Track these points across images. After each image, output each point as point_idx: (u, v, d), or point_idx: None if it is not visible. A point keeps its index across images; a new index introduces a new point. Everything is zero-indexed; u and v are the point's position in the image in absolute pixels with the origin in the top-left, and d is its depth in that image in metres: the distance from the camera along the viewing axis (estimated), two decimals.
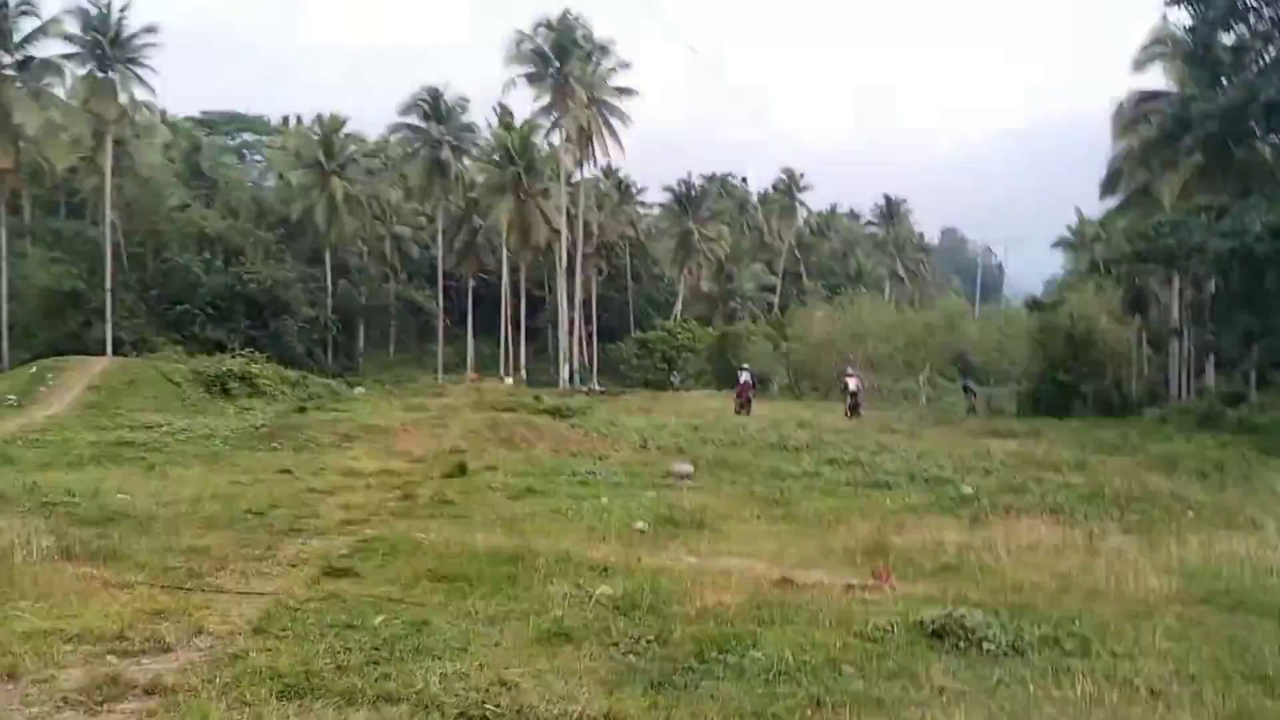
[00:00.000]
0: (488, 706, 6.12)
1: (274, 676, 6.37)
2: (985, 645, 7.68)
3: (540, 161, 65.24)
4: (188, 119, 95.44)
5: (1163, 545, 12.44)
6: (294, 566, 9.98)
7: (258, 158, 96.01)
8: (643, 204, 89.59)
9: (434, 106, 68.37)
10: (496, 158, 66.17)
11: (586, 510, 14.08)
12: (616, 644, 7.53)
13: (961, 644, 7.74)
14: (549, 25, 58.35)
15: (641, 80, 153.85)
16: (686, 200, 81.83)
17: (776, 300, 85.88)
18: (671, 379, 62.83)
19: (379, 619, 7.86)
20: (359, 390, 38.04)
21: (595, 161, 65.93)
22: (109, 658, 6.81)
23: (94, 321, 57.35)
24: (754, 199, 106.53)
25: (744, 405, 37.39)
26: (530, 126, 64.30)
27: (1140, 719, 6.43)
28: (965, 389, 43.39)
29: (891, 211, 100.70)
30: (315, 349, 65.84)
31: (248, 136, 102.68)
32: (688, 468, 18.52)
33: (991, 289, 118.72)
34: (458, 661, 6.93)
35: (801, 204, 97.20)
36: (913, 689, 6.81)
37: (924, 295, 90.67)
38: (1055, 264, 70.86)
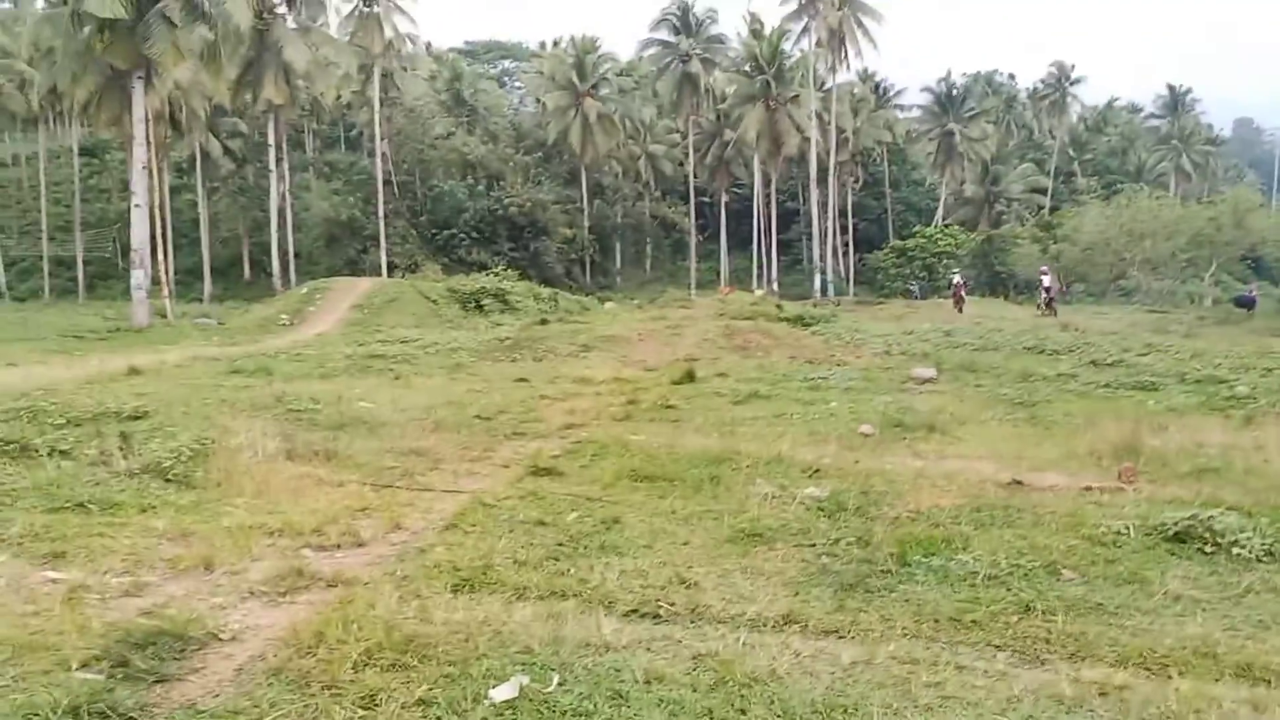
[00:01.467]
0: (660, 604, 5.85)
1: (452, 570, 6.32)
2: (1235, 550, 6.77)
3: (790, 69, 63.59)
4: (451, 50, 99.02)
5: None
6: (505, 467, 10.00)
7: (518, 84, 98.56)
8: (900, 107, 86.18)
9: (683, 20, 67.77)
10: (746, 68, 65.04)
11: (812, 415, 13.55)
12: (813, 545, 7.10)
13: (1208, 549, 6.87)
14: None
15: None
16: (947, 100, 78.02)
17: (1048, 201, 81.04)
18: (910, 287, 60.13)
19: (572, 516, 7.73)
20: (609, 305, 38.55)
21: (849, 65, 63.68)
22: (304, 551, 6.93)
23: (369, 248, 60.66)
24: (1022, 96, 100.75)
25: (958, 303, 39.35)
26: (780, 33, 62.66)
27: None
28: (1240, 301, 39.35)
29: (1175, 102, 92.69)
30: (573, 268, 67.33)
31: (507, 64, 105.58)
32: (930, 371, 17.60)
33: None
34: (641, 559, 6.70)
35: (1074, 98, 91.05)
36: (1142, 596, 6.08)
37: (1214, 191, 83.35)
38: None
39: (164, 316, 33.30)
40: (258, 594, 6.07)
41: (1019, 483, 9.12)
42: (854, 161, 77.07)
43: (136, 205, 31.29)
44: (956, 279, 42.74)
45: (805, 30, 60.14)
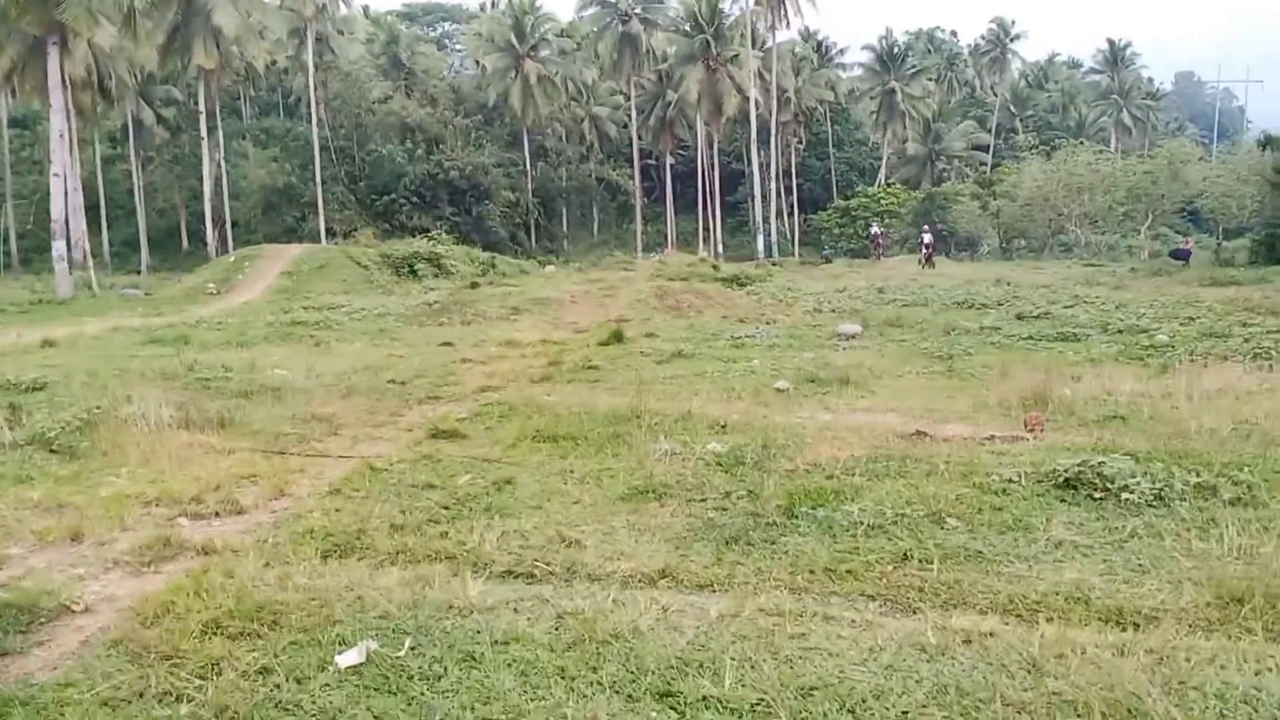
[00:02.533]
0: (537, 563, 5.75)
1: (324, 536, 6.20)
2: (1124, 496, 6.74)
3: (729, 28, 63.18)
4: (389, 12, 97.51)
5: None
6: (409, 431, 9.83)
7: (458, 47, 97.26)
8: (843, 66, 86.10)
9: None
10: (687, 27, 64.57)
11: (733, 372, 13.49)
12: (704, 500, 7.03)
13: (1097, 495, 6.84)
14: None
15: None
16: (889, 58, 78.00)
17: (990, 158, 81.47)
18: (824, 253, 60.68)
19: (464, 478, 7.60)
20: (549, 269, 38.27)
21: (789, 24, 63.39)
22: (180, 520, 6.77)
23: (308, 214, 59.84)
24: (964, 53, 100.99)
25: (928, 260, 41.35)
26: None
27: None
28: (1175, 253, 39.94)
29: (1115, 56, 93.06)
30: (518, 232, 66.85)
31: (447, 26, 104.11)
32: (854, 328, 17.59)
33: (1232, 135, 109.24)
34: (526, 520, 6.59)
35: (1014, 54, 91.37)
36: (1025, 543, 6.04)
37: (1154, 145, 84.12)
38: None
39: (90, 288, 32.63)
40: (122, 564, 5.91)
41: (922, 434, 9.08)
42: (797, 121, 76.99)
43: (55, 175, 30.51)
44: (927, 238, 44.76)
45: None
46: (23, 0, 26.32)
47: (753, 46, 64.39)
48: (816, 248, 70.94)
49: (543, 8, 73.59)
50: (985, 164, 77.69)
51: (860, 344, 16.50)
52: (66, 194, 31.09)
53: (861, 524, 6.32)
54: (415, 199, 61.12)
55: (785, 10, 61.58)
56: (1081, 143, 71.14)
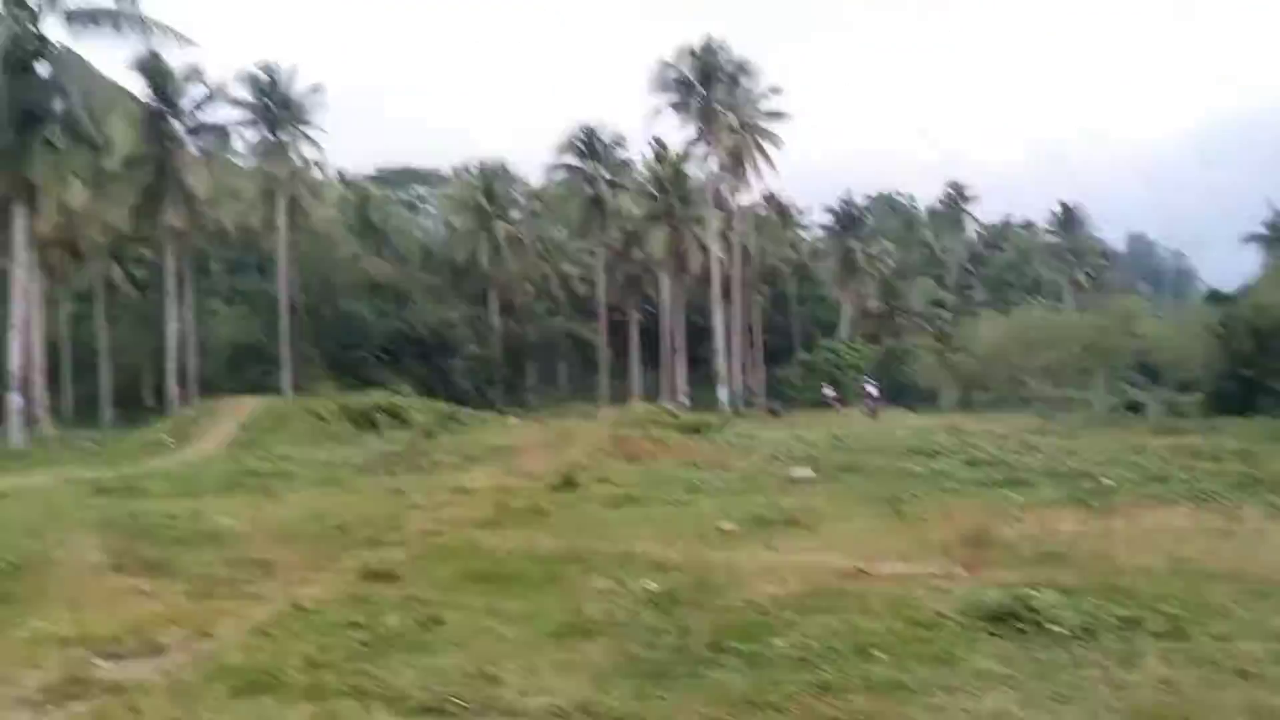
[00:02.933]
0: (452, 699, 5.66)
1: (238, 674, 6.08)
2: (1051, 628, 6.75)
3: (693, 191, 64.87)
4: (366, 177, 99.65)
5: None
6: (345, 574, 9.70)
7: (430, 208, 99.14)
8: (803, 227, 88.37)
9: (589, 145, 69.00)
10: (651, 190, 66.24)
11: (682, 516, 13.48)
12: (634, 637, 6.95)
13: (1025, 627, 6.84)
14: (693, 53, 58.07)
15: (805, 105, 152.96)
16: (848, 220, 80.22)
17: (949, 314, 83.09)
18: (825, 394, 61.68)
19: (392, 618, 7.49)
20: (512, 420, 38.31)
21: (750, 187, 65.14)
22: (95, 660, 6.62)
23: (274, 371, 59.81)
24: (922, 215, 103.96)
25: (872, 412, 43.89)
26: (682, 156, 64.09)
27: (1214, 701, 5.43)
28: (1130, 405, 40.76)
29: (1069, 219, 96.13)
30: (484, 386, 66.92)
31: (421, 189, 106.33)
32: (807, 472, 17.66)
33: (1182, 294, 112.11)
34: (450, 657, 6.53)
35: (970, 216, 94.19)
36: (949, 674, 6.02)
37: (1112, 302, 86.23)
38: (1255, 263, 66.26)
39: (45, 441, 32.32)
40: (30, 702, 5.77)
41: (862, 572, 9.08)
42: (760, 279, 78.45)
43: (12, 325, 30.53)
44: (870, 389, 48.45)
45: (708, 154, 61.53)
46: None
47: (716, 208, 66.04)
48: (784, 399, 71.53)
49: (515, 169, 75.58)
50: (944, 319, 79.17)
51: (812, 488, 16.53)
52: (28, 348, 31.06)
53: (787, 657, 6.30)
54: (382, 355, 61.29)
55: (747, 174, 63.30)
56: (1037, 300, 73.02)
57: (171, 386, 50.82)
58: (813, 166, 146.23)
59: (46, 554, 9.30)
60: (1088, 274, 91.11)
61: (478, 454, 21.44)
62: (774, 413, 53.73)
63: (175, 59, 48.31)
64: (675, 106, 58.92)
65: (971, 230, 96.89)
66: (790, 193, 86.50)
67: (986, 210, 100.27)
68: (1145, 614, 7.10)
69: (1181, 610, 7.21)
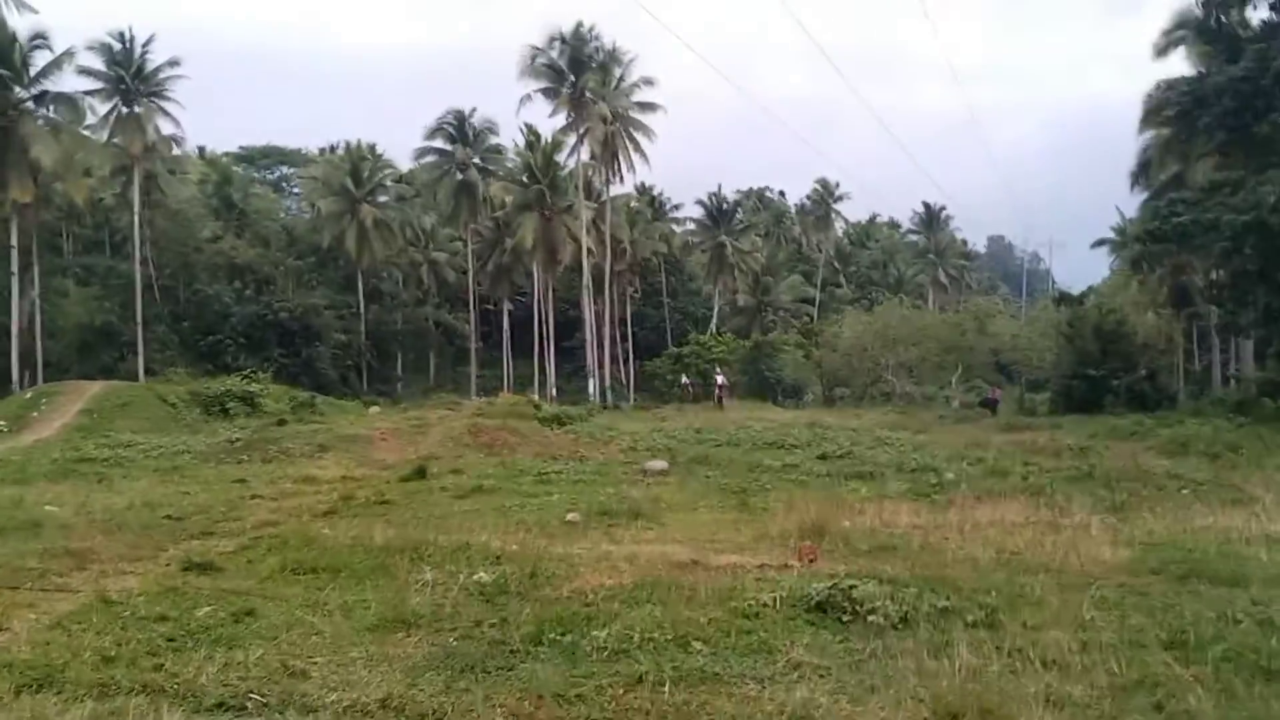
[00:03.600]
0: (252, 695, 5.43)
1: (25, 670, 5.73)
2: (871, 618, 6.83)
3: (564, 180, 64.54)
4: (227, 154, 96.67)
5: (1138, 521, 11.44)
6: (168, 566, 9.30)
7: (296, 190, 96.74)
8: (677, 221, 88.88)
9: (459, 129, 68.08)
10: (524, 178, 65.71)
11: (530, 506, 13.35)
12: (454, 629, 6.80)
13: (845, 618, 6.90)
14: (562, 39, 57.67)
15: (674, 96, 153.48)
16: (718, 214, 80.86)
17: (815, 311, 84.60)
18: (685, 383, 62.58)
19: (203, 611, 7.18)
20: (374, 409, 37.53)
21: (621, 178, 65.01)
22: None
23: (127, 355, 57.58)
24: (791, 211, 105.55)
25: (718, 401, 44.46)
26: (553, 144, 63.69)
27: (1016, 690, 5.52)
28: (984, 402, 41.89)
29: (931, 218, 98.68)
30: (349, 374, 65.64)
31: (285, 169, 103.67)
32: (661, 464, 17.71)
33: (1040, 294, 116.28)
34: (255, 651, 6.25)
35: (838, 214, 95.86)
36: (764, 665, 6.01)
37: (967, 302, 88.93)
38: (1105, 266, 69.03)
39: None
40: None
41: (696, 563, 9.07)
42: (632, 271, 78.58)
43: None
44: (720, 380, 48.99)
45: (578, 143, 61.24)
46: None
47: (588, 198, 65.85)
48: (651, 392, 71.87)
49: (383, 154, 74.21)
50: (811, 316, 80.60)
51: (665, 480, 16.57)
52: None
53: (605, 649, 6.22)
54: (242, 340, 59.54)
55: (619, 165, 63.23)
56: (900, 298, 74.78)
57: (14, 369, 48.35)
58: (686, 159, 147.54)
59: None
60: (949, 273, 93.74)
61: (329, 443, 20.90)
62: (646, 407, 53.97)
63: (20, 24, 46.23)
64: (545, 93, 58.41)
65: (839, 228, 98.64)
66: (663, 186, 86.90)
67: (856, 208, 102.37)
68: (964, 604, 7.25)
69: (998, 601, 7.37)
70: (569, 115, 59.04)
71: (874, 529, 10.84)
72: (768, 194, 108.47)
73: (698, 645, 6.31)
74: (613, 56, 59.40)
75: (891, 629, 6.72)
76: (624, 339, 78.24)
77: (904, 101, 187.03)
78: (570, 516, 11.88)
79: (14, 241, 48.49)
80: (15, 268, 48.32)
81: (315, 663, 6.08)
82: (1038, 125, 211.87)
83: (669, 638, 6.41)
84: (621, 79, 61.26)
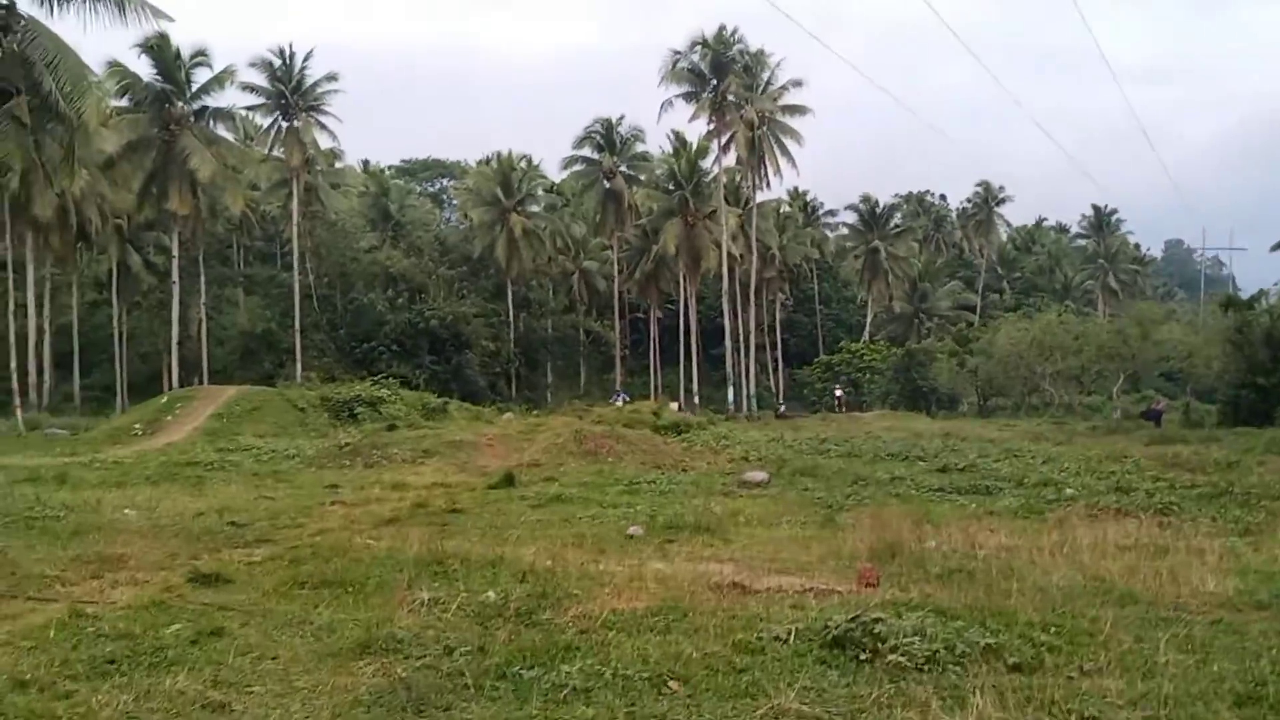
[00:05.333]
0: None
1: None
2: (893, 657, 5.85)
3: (708, 186, 63.77)
4: (390, 167, 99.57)
5: (1271, 546, 10.03)
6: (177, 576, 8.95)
7: (455, 201, 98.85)
8: (830, 226, 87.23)
9: (607, 137, 68.17)
10: (670, 186, 65.28)
11: (603, 518, 12.68)
12: (424, 657, 6.13)
13: (862, 655, 5.95)
14: (704, 43, 56.93)
15: (831, 98, 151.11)
16: (871, 218, 78.89)
17: (976, 318, 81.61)
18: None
19: (172, 629, 6.71)
20: (506, 415, 37.48)
21: (767, 183, 63.91)
22: None
23: (286, 361, 59.49)
24: (953, 215, 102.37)
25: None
26: (698, 150, 63.00)
27: None
28: (1147, 414, 39.03)
29: (1101, 222, 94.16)
30: (498, 381, 66.37)
31: (446, 181, 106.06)
32: (761, 475, 16.79)
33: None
34: (194, 676, 5.71)
35: (1000, 217, 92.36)
36: (744, 712, 5.13)
37: (1133, 308, 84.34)
38: None
39: (18, 428, 31.89)
40: None
41: (738, 586, 8.22)
42: (781, 278, 77.33)
43: None
44: (839, 392, 48.08)
45: (724, 147, 60.43)
46: None
47: (736, 204, 64.98)
48: (801, 402, 70.51)
49: (539, 164, 74.80)
50: (971, 324, 77.78)
51: (762, 492, 15.69)
52: None
53: (566, 687, 5.45)
54: (395, 347, 60.75)
55: (766, 170, 62.20)
56: (1067, 305, 71.43)
57: (175, 375, 50.38)
58: (844, 163, 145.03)
59: None
60: (1120, 279, 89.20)
61: (434, 449, 20.68)
62: (781, 415, 52.65)
63: (184, 42, 48.15)
64: (686, 97, 57.78)
65: (1002, 232, 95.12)
66: (816, 190, 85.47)
67: (1020, 211, 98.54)
68: (1013, 642, 6.23)
69: (1055, 639, 6.33)
70: (710, 120, 58.33)
71: (955, 550, 9.75)
72: (928, 197, 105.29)
73: (674, 686, 5.50)
74: (757, 59, 58.40)
75: (915, 670, 5.76)
76: (773, 346, 77.09)
77: (1077, 100, 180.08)
78: (631, 530, 11.16)
79: (174, 252, 50.48)
80: (176, 277, 50.24)
81: (251, 692, 5.52)
82: (1218, 124, 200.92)
83: (646, 675, 5.62)
84: (769, 82, 60.24)
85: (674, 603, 7.40)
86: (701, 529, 11.24)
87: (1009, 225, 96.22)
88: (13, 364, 35.73)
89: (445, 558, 9.01)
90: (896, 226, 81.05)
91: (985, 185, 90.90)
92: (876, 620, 6.24)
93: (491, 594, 7.62)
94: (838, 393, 57.65)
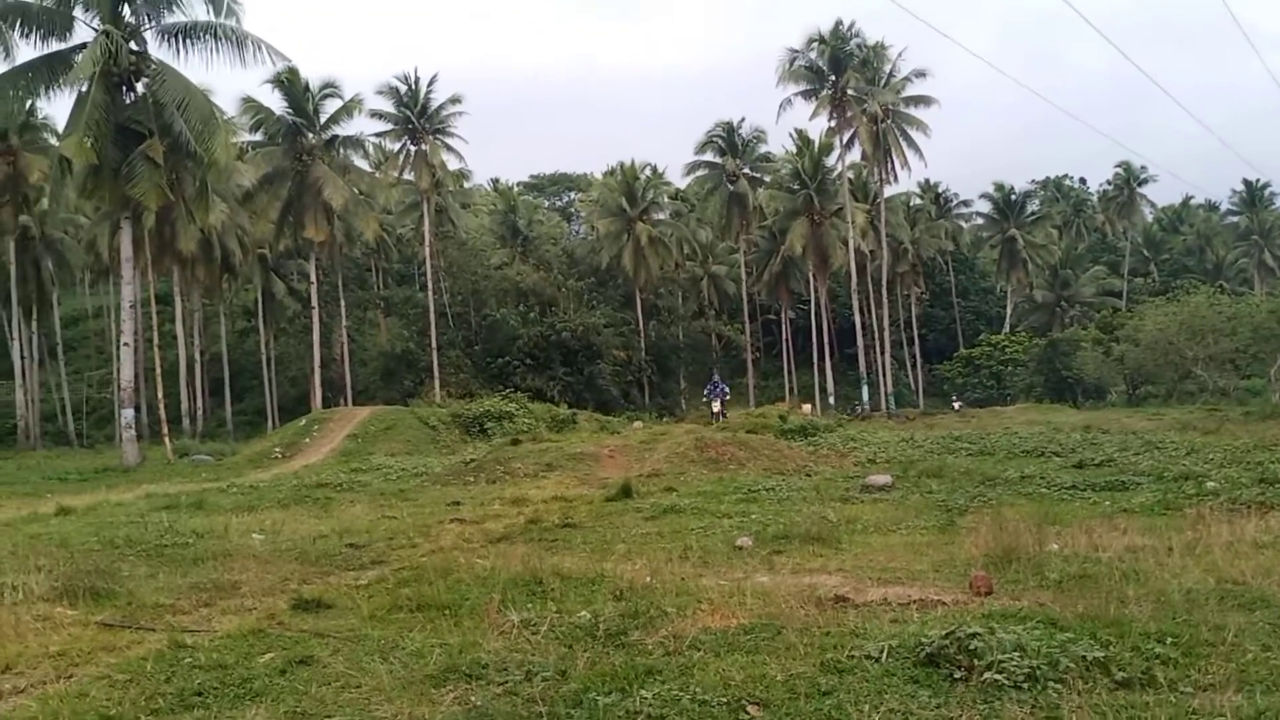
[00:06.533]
0: None
1: None
2: (989, 675, 5.51)
3: (833, 183, 62.89)
4: (518, 184, 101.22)
5: None
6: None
7: (582, 214, 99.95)
8: (963, 217, 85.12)
9: (728, 140, 67.97)
10: (794, 185, 64.65)
11: (717, 528, 12.46)
12: (505, 682, 6.04)
13: (957, 674, 5.62)
14: (821, 39, 56.21)
15: (962, 86, 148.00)
16: (1006, 206, 76.76)
17: (1123, 304, 78.56)
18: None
19: (265, 658, 6.77)
20: (636, 425, 37.55)
21: (894, 177, 62.73)
22: None
23: (425, 379, 60.84)
24: (1093, 199, 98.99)
25: (716, 416, 35.98)
26: (821, 147, 62.26)
27: None
28: None
29: (1253, 197, 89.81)
30: (631, 390, 66.60)
31: (573, 195, 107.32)
32: (884, 479, 16.30)
33: None
34: (275, 708, 5.74)
35: (1144, 198, 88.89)
36: None
37: None
38: None
39: (167, 455, 33.27)
40: None
41: (842, 598, 7.92)
42: (915, 272, 75.82)
43: (125, 344, 31.41)
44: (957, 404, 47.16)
45: (848, 143, 59.56)
46: (93, 179, 27.55)
47: (864, 200, 64.02)
48: (942, 398, 68.93)
49: (664, 171, 74.94)
50: (1117, 309, 74.94)
51: (883, 496, 15.24)
52: (137, 362, 31.96)
53: (641, 713, 5.28)
54: (529, 360, 61.56)
55: (893, 163, 61.05)
56: (1221, 286, 68.11)
57: (320, 397, 52.02)
58: (974, 152, 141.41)
59: None
60: (1276, 255, 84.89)
61: (557, 462, 20.75)
62: (910, 415, 51.48)
63: (317, 74, 49.80)
64: (805, 95, 57.20)
65: (1147, 213, 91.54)
66: (949, 181, 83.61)
67: (1166, 191, 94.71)
68: (1124, 655, 5.81)
69: (1170, 650, 5.89)
70: (831, 116, 57.59)
71: (1077, 553, 9.25)
72: (1066, 182, 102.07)
73: (754, 711, 5.27)
74: (876, 52, 57.45)
75: (1012, 689, 5.41)
76: (910, 343, 75.65)
77: (1223, 74, 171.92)
78: (740, 541, 10.91)
79: (314, 278, 52.10)
80: (316, 302, 51.81)
81: None
82: None
83: (724, 699, 5.40)
84: (890, 74, 59.18)
85: (769, 619, 7.17)
86: (812, 538, 10.92)
87: (1153, 206, 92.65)
88: (160, 393, 37.34)
89: (544, 576, 8.93)
90: (1033, 213, 78.87)
91: (1126, 166, 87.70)
92: (973, 635, 5.90)
93: (586, 614, 7.50)
94: (956, 405, 56.66)
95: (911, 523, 12.38)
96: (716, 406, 36.93)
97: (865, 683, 5.65)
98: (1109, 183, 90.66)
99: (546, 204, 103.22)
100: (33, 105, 38.78)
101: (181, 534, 13.25)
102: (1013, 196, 77.86)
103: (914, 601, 7.75)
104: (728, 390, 40.30)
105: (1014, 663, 5.63)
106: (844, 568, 9.54)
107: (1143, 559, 8.88)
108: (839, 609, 7.64)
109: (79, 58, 27.85)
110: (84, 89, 27.51)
